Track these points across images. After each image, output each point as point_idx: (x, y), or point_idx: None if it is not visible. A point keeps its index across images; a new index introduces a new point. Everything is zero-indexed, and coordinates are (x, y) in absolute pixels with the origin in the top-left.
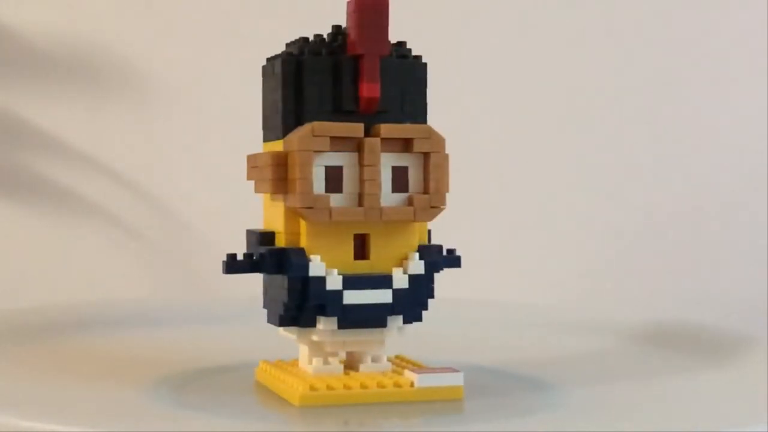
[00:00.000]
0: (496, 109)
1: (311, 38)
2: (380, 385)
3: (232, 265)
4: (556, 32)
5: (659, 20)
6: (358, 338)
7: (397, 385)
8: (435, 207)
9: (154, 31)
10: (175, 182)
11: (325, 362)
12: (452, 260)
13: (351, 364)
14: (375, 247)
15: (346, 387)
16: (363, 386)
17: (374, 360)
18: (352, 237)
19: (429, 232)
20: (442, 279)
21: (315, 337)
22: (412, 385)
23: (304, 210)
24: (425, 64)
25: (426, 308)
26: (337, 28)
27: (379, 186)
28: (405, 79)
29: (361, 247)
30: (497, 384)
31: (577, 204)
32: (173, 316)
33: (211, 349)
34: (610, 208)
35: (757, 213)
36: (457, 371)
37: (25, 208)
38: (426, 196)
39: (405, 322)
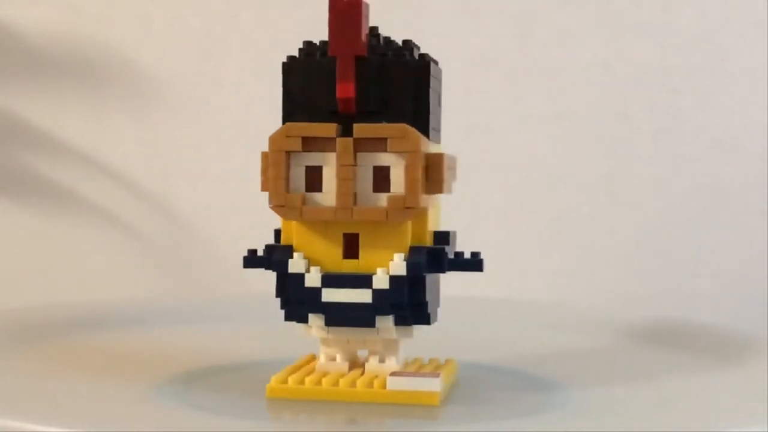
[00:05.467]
0: (499, 108)
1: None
2: (351, 384)
3: (249, 260)
4: (558, 32)
5: (660, 19)
6: (357, 337)
7: (369, 385)
8: (409, 208)
9: (154, 31)
10: (175, 182)
11: (332, 359)
12: (468, 263)
13: (358, 364)
14: (364, 247)
15: (315, 383)
16: (334, 384)
17: (381, 360)
18: (341, 236)
19: (448, 234)
20: (446, 278)
21: (311, 333)
22: (385, 386)
23: (276, 208)
24: (428, 64)
25: (424, 310)
26: None
27: (351, 185)
28: (399, 79)
29: (351, 247)
30: (498, 382)
31: (580, 202)
32: (174, 316)
33: (213, 348)
34: (614, 206)
35: (760, 211)
36: (435, 377)
37: (25, 208)
38: (400, 196)
39: (400, 323)
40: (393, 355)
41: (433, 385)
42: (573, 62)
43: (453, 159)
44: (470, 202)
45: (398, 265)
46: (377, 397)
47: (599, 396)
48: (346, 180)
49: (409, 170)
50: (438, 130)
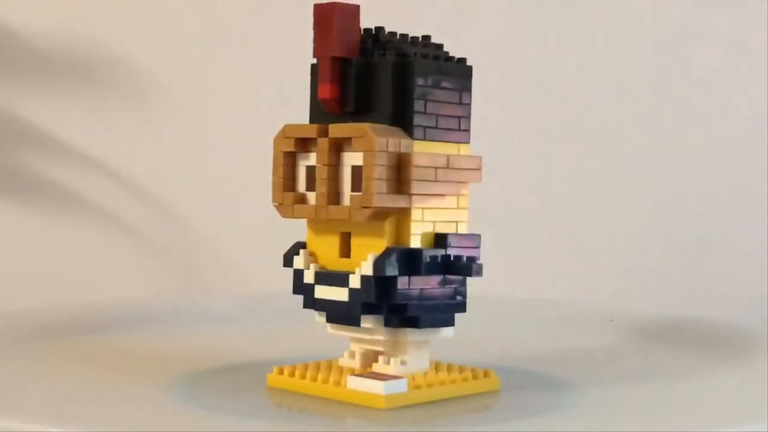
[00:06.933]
0: (500, 109)
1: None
2: (323, 381)
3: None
4: (559, 34)
5: (661, 20)
6: (360, 336)
7: (335, 383)
8: (365, 207)
9: (154, 31)
10: (175, 182)
11: (352, 357)
12: (459, 268)
13: (368, 363)
14: (354, 246)
15: (302, 377)
16: (313, 380)
17: (385, 362)
18: (339, 235)
19: (446, 236)
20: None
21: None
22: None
23: (276, 206)
24: (410, 63)
25: (406, 313)
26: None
27: (326, 184)
28: (381, 79)
29: (346, 246)
30: (503, 382)
31: (582, 202)
32: (174, 316)
33: (213, 348)
34: (617, 206)
35: (760, 210)
36: (388, 380)
37: (25, 208)
38: (358, 195)
39: (388, 325)
40: (399, 357)
41: (378, 389)
42: (575, 63)
43: (450, 158)
44: (472, 203)
45: (368, 264)
46: (340, 395)
47: (600, 396)
48: (322, 179)
49: (365, 170)
50: (447, 130)
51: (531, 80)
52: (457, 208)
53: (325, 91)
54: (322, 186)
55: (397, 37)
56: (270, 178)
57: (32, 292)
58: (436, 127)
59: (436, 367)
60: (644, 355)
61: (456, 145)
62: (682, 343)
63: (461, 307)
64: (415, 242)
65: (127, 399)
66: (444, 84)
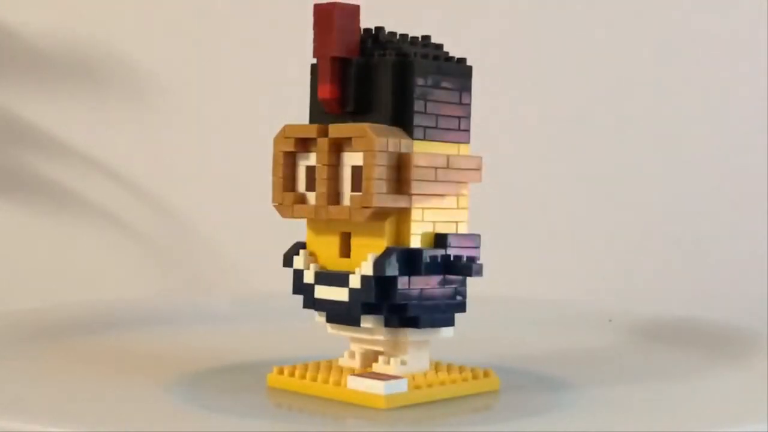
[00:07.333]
0: (499, 108)
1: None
2: (323, 381)
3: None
4: (559, 34)
5: (660, 20)
6: (360, 336)
7: (335, 383)
8: (365, 207)
9: (154, 31)
10: (175, 182)
11: (352, 357)
12: (458, 268)
13: (368, 363)
14: (354, 246)
15: (302, 377)
16: (314, 379)
17: (385, 362)
18: (339, 235)
19: (446, 236)
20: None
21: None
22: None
23: (276, 206)
24: (410, 63)
25: (406, 313)
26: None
27: (325, 184)
28: (381, 79)
29: (346, 246)
30: (504, 382)
31: (583, 202)
32: (174, 316)
33: (214, 348)
34: (617, 205)
35: (760, 210)
36: (388, 380)
37: (25, 208)
38: (358, 195)
39: (388, 325)
40: (399, 357)
41: (378, 389)
42: (575, 63)
43: (450, 158)
44: (472, 203)
45: (368, 264)
46: (340, 395)
47: (600, 396)
48: (322, 179)
49: (364, 170)
50: (446, 130)
51: (531, 80)
52: (457, 208)
53: (325, 91)
54: (322, 186)
55: (397, 37)
56: (270, 178)
57: (32, 292)
58: (436, 127)
59: (436, 367)
60: (644, 355)
61: (456, 145)
62: (682, 343)
63: (461, 307)
64: (415, 242)
65: (127, 399)
66: (444, 84)
